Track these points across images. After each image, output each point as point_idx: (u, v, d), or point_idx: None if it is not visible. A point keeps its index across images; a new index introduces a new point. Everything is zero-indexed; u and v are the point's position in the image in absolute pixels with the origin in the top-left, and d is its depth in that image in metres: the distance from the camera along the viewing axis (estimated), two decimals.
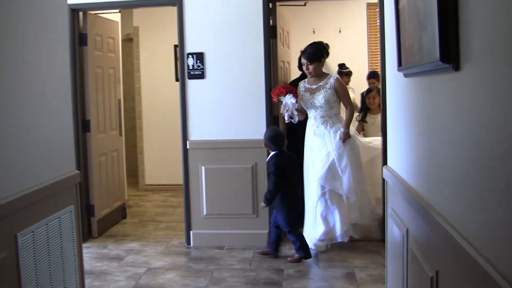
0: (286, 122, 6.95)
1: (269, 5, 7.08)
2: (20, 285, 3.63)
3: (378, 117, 8.14)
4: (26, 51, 3.85)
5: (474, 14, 2.21)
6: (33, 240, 3.81)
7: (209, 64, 7.10)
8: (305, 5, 8.61)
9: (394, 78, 4.17)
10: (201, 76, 7.11)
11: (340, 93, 6.83)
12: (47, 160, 4.14)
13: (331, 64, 9.05)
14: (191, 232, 7.27)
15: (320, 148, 6.85)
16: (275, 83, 7.16)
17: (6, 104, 3.56)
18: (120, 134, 8.82)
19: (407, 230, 3.62)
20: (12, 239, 3.57)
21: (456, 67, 2.42)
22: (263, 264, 6.50)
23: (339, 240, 6.80)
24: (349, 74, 9.77)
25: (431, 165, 3.03)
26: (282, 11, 7.62)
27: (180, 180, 7.45)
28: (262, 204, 6.59)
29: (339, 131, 6.76)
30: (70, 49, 6.72)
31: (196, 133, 7.13)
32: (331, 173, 6.78)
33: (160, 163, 11.10)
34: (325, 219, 6.83)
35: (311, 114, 6.94)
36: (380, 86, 7.41)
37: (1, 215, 3.41)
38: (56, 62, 4.38)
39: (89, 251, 7.10)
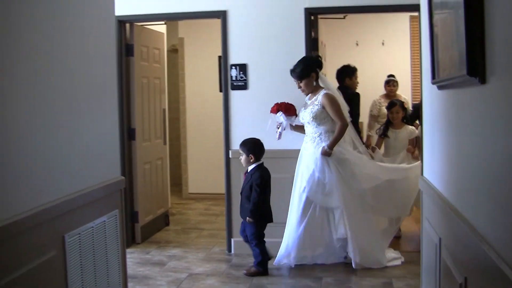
0: (277, 139, 6.92)
1: (310, 18, 7.21)
2: (67, 284, 3.79)
3: (401, 132, 8.12)
4: (74, 61, 4.03)
5: (499, 32, 2.33)
6: (80, 241, 3.98)
7: (252, 75, 7.27)
8: (344, 18, 8.70)
9: (429, 91, 4.28)
10: (244, 87, 7.29)
11: (328, 108, 6.58)
12: (94, 165, 4.31)
13: (372, 76, 9.17)
14: (232, 240, 7.41)
15: (308, 165, 6.71)
16: None
17: (56, 110, 3.74)
18: (165, 143, 8.99)
19: (440, 239, 3.72)
20: (60, 239, 3.74)
21: (482, 81, 2.55)
22: (302, 271, 6.61)
23: (335, 259, 6.85)
24: (389, 82, 9.48)
25: (461, 175, 3.13)
26: (319, 23, 7.71)
27: (223, 190, 7.59)
28: (250, 220, 6.48)
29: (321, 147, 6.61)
30: (117, 59, 6.90)
31: (238, 143, 7.25)
32: (318, 188, 6.65)
33: (203, 172, 11.24)
34: (312, 238, 6.79)
35: (305, 129, 6.85)
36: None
37: (51, 217, 3.58)
38: (103, 72, 4.55)
39: (133, 256, 7.28)
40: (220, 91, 10.22)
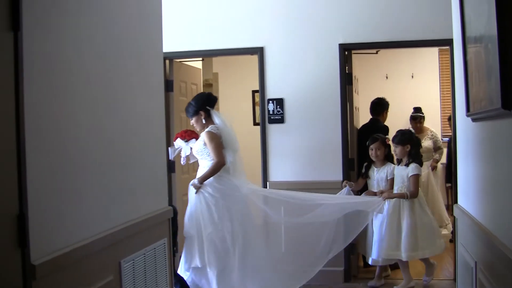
0: (182, 164, 7.19)
1: (345, 53, 7.46)
2: None
3: (380, 172, 7.33)
4: (131, 97, 4.29)
5: None
6: (133, 267, 4.21)
7: (289, 109, 7.51)
8: (376, 53, 8.91)
9: (463, 123, 4.47)
10: (281, 120, 7.53)
11: (208, 146, 6.68)
12: (146, 196, 4.56)
13: (401, 109, 9.31)
14: None
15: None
16: (351, 128, 7.49)
17: (114, 145, 4.00)
18: None
19: (476, 263, 3.90)
20: (117, 265, 3.98)
21: None
22: None
23: None
24: (416, 118, 9.57)
25: (497, 202, 3.30)
26: (352, 58, 7.93)
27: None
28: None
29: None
30: None
31: (275, 175, 7.49)
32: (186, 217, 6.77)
33: None
34: None
35: None
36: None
37: (109, 243, 3.82)
38: (154, 108, 4.81)
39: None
40: (254, 124, 10.49)
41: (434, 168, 9.38)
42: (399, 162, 7.22)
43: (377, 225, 7.07)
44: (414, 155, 7.04)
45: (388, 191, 7.05)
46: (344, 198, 6.95)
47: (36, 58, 3.04)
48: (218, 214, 6.61)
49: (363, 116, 8.94)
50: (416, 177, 6.93)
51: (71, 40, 3.44)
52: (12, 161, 2.82)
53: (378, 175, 7.32)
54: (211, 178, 6.63)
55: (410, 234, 6.89)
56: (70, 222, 3.37)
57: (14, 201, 2.84)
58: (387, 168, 7.28)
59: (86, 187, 3.59)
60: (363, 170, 7.48)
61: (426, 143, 9.29)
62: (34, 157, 2.97)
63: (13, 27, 2.86)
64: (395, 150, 7.20)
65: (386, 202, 6.94)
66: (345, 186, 7.03)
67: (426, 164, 9.17)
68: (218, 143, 6.67)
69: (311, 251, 6.88)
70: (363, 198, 7.11)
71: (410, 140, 7.09)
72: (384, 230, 7.02)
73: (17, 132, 2.85)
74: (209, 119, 6.85)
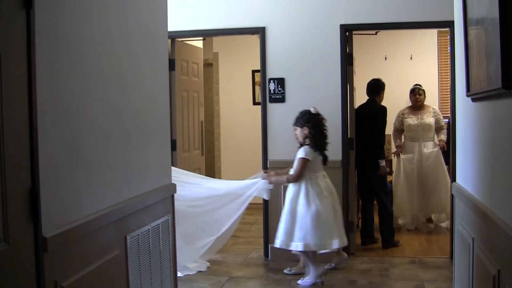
0: None
1: (346, 34, 7.54)
2: (128, 281, 4.11)
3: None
4: (136, 78, 4.37)
5: None
6: (138, 242, 4.30)
7: (289, 89, 7.61)
8: (376, 34, 8.99)
9: (463, 103, 4.54)
10: (282, 100, 7.63)
11: None
12: (151, 172, 4.64)
13: (399, 90, 9.39)
14: (269, 246, 7.69)
15: None
16: (350, 108, 7.58)
17: (121, 124, 4.08)
18: (202, 154, 9.31)
19: (473, 239, 4.00)
20: (123, 239, 4.06)
21: None
22: (338, 275, 6.90)
23: None
24: (414, 90, 9.33)
25: (495, 179, 3.39)
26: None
27: (257, 199, 7.46)
28: None
29: None
30: None
31: (275, 153, 7.59)
32: None
33: None
34: None
35: None
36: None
37: (116, 218, 3.91)
38: (159, 87, 4.90)
39: None
40: (254, 104, 10.57)
41: (443, 148, 9.14)
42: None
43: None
44: (311, 138, 6.67)
45: (270, 174, 6.88)
46: (228, 181, 7.22)
47: (47, 36, 3.11)
48: None
49: (359, 97, 9.03)
50: (302, 161, 6.61)
51: (81, 19, 3.51)
52: (24, 137, 2.89)
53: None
54: None
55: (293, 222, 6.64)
56: (80, 197, 3.45)
57: (27, 175, 2.91)
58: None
59: (95, 163, 3.67)
60: None
61: (428, 120, 9.20)
62: (46, 133, 3.05)
63: (25, 4, 2.91)
64: (295, 132, 6.86)
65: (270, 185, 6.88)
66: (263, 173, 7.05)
67: (427, 144, 9.19)
68: None
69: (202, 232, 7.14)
70: (245, 181, 6.98)
71: (308, 121, 6.71)
72: (281, 217, 6.87)
73: (29, 108, 2.90)
74: None
